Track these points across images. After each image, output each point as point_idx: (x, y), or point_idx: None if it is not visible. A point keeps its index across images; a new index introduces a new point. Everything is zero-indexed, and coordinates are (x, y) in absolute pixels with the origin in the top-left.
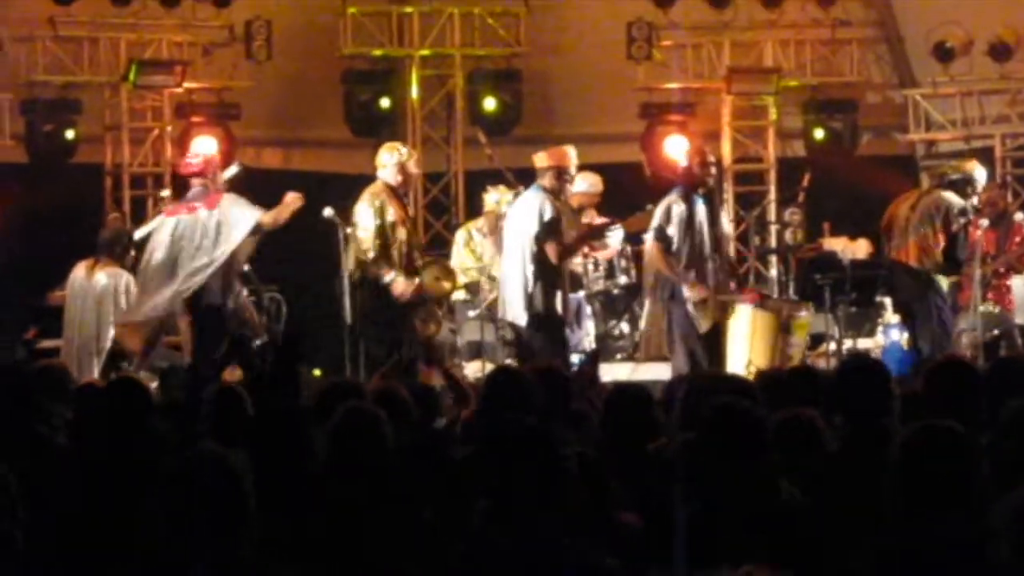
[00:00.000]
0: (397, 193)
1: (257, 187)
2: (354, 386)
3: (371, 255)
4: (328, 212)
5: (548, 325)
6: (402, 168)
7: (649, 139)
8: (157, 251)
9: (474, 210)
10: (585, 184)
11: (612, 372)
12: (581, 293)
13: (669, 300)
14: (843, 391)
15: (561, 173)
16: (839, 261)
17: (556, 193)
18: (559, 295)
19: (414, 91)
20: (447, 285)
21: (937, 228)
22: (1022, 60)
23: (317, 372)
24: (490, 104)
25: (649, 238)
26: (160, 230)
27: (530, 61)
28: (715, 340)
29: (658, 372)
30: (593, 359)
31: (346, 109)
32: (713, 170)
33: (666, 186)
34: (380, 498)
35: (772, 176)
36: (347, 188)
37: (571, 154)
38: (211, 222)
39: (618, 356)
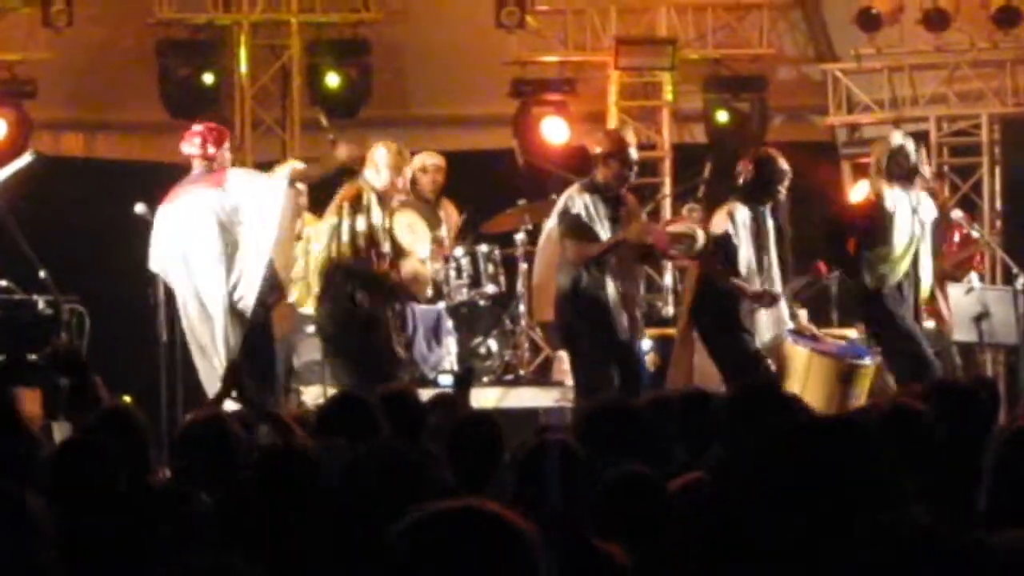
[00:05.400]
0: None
1: (55, 178)
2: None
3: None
4: (140, 208)
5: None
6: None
7: (522, 122)
8: None
9: (318, 204)
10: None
11: (477, 398)
12: (441, 304)
13: (713, 330)
14: None
15: (610, 160)
16: None
17: (611, 186)
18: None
19: (243, 65)
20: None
21: None
22: (961, 30)
23: (127, 399)
24: (333, 80)
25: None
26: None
27: (381, 30)
28: None
29: (534, 398)
30: (464, 382)
31: (161, 86)
32: (787, 179)
33: (542, 178)
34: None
35: (667, 166)
36: (162, 179)
37: (624, 136)
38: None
39: (484, 379)
